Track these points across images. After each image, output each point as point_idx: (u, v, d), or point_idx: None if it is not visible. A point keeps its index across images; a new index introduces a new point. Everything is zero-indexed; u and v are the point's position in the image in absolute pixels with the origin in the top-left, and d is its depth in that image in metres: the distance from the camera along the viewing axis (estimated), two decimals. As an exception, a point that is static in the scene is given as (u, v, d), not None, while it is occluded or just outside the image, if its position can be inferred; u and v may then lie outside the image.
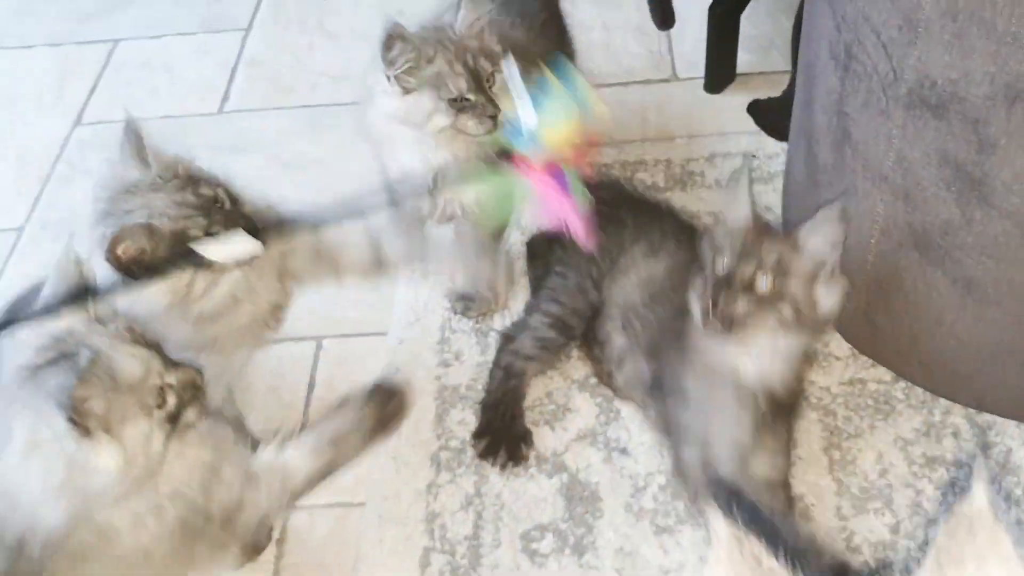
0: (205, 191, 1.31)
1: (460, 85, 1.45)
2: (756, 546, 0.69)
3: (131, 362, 1.09)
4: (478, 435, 1.64)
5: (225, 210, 1.31)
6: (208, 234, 1.27)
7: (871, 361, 1.64)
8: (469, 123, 1.47)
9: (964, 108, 1.22)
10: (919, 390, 1.59)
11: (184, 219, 1.26)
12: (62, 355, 1.07)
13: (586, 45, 2.34)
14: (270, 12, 2.60)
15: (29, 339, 1.11)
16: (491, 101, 1.46)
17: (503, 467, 1.60)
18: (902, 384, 1.61)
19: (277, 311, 1.49)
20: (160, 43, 2.56)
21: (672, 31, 2.29)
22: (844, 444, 1.55)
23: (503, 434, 1.62)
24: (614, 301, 1.60)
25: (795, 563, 0.73)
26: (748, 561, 0.69)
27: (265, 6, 2.61)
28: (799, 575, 0.71)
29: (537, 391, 1.69)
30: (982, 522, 0.67)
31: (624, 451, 1.60)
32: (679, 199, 1.93)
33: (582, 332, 1.67)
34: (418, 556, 1.52)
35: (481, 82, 1.46)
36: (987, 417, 1.55)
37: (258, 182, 2.08)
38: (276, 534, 1.57)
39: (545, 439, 1.63)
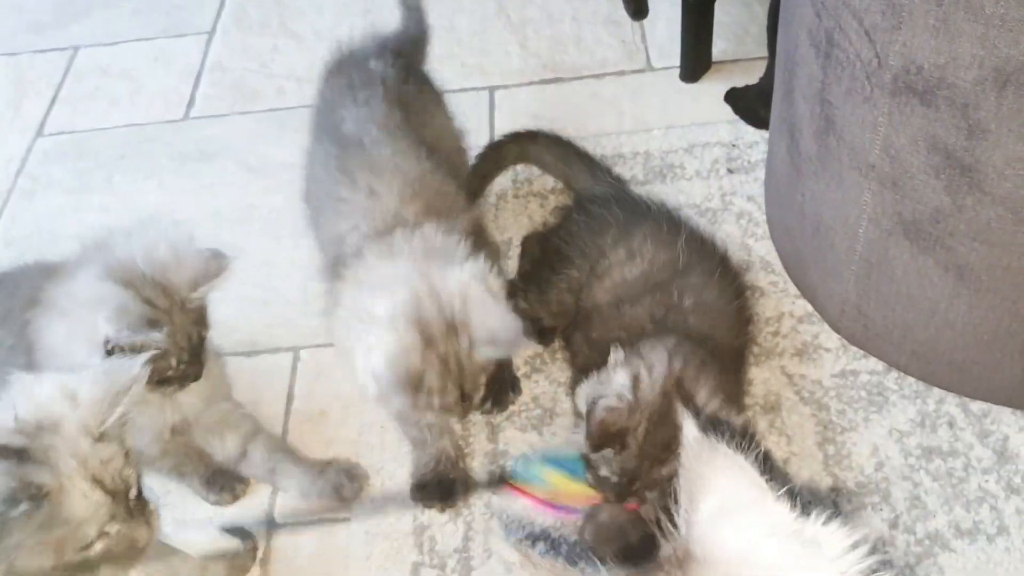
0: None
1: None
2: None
3: (80, 504, 1.03)
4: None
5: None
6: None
7: (862, 352, 1.61)
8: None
9: (952, 93, 1.19)
10: (912, 380, 1.57)
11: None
12: (18, 452, 1.01)
13: (556, 38, 2.32)
14: (232, 16, 2.53)
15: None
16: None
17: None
18: (894, 374, 1.58)
19: None
20: (120, 50, 2.49)
21: (645, 21, 2.27)
22: (838, 439, 1.52)
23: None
24: (589, 305, 1.56)
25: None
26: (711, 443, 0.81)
27: (227, 9, 2.55)
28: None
29: (523, 396, 1.65)
30: (698, 445, 0.80)
31: (615, 454, 1.56)
32: (659, 192, 1.89)
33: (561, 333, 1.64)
34: (407, 571, 1.48)
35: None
36: (982, 405, 1.52)
37: (226, 188, 2.07)
38: (260, 554, 1.52)
39: (533, 445, 1.59)
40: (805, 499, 1.24)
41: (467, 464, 1.58)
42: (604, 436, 1.27)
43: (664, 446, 1.25)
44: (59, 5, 2.66)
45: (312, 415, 1.68)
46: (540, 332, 1.66)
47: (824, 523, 0.76)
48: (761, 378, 1.60)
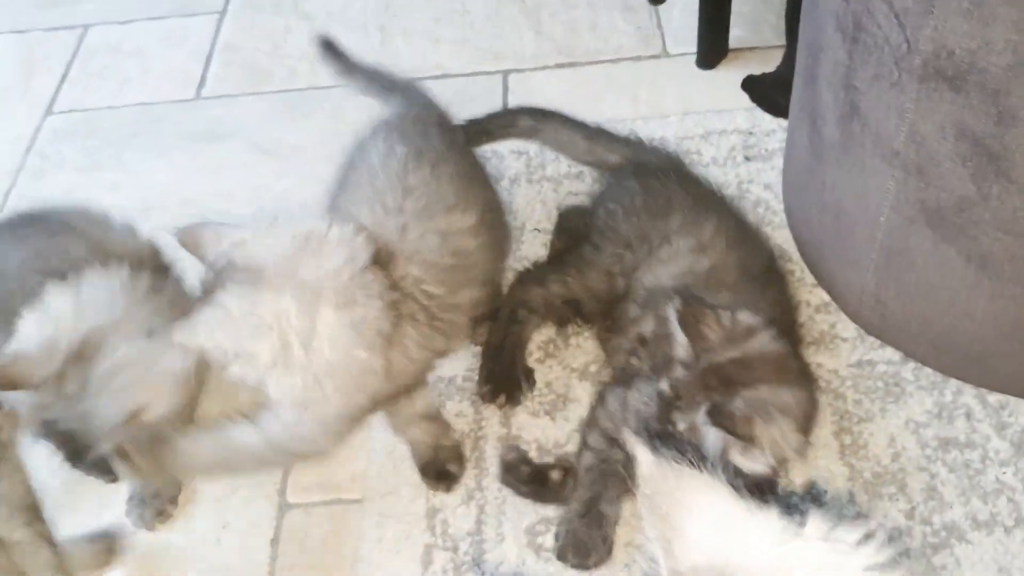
0: None
1: None
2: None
3: None
4: (483, 381, 1.62)
5: None
6: None
7: (879, 342, 1.60)
8: None
9: (983, 79, 1.18)
10: (929, 370, 1.56)
11: None
12: None
13: (571, 23, 2.31)
14: (244, -6, 2.52)
15: None
16: None
17: (501, 407, 1.60)
18: (911, 365, 1.57)
19: None
20: (131, 28, 2.48)
21: (661, 6, 2.26)
22: (855, 428, 1.51)
23: (505, 379, 1.61)
24: (643, 288, 1.53)
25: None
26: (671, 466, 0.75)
27: (239, -12, 2.54)
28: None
29: (537, 381, 1.64)
30: (663, 472, 0.75)
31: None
32: (675, 179, 1.88)
33: (598, 316, 1.62)
34: (420, 553, 1.47)
35: None
36: (999, 397, 1.52)
37: (236, 169, 2.05)
38: (271, 533, 1.51)
39: (546, 430, 1.58)
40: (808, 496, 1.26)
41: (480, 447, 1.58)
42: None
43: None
44: (68, -19, 2.65)
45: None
46: (580, 315, 1.65)
47: (824, 524, 0.74)
48: (777, 366, 1.60)
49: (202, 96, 2.26)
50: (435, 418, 1.56)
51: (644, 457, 0.76)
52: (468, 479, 1.53)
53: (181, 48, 2.40)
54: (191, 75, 2.31)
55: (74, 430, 1.36)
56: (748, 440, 1.20)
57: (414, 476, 1.55)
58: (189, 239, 1.25)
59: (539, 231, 1.85)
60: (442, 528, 1.49)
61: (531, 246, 1.82)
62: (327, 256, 1.21)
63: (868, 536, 0.72)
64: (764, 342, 1.28)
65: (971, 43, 1.16)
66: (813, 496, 1.46)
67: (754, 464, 1.22)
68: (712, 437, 1.22)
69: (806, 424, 1.27)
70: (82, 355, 1.28)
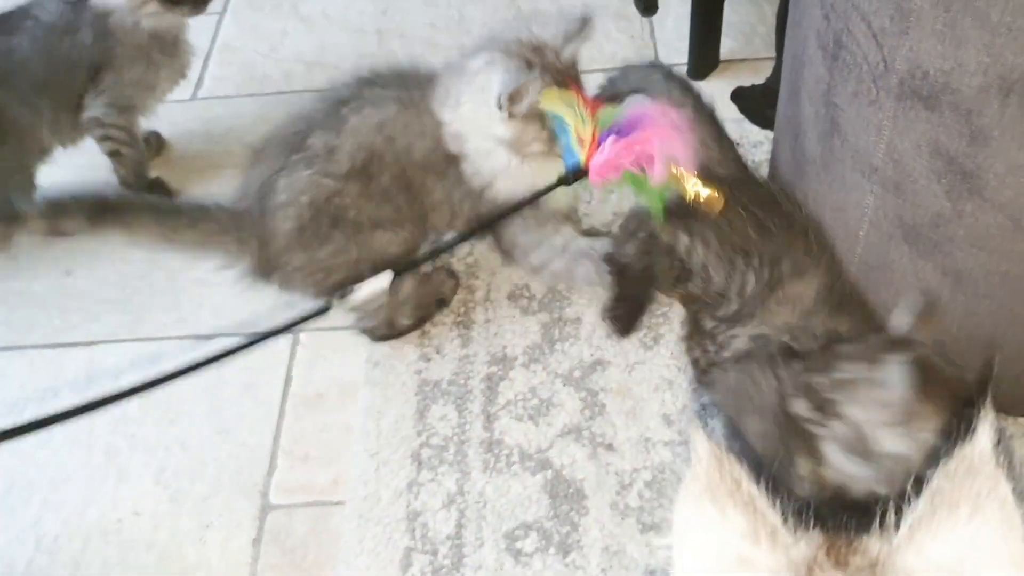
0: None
1: None
2: (737, 469, 0.66)
3: None
4: (616, 302, 1.69)
5: None
6: None
7: (858, 354, 1.62)
8: (555, 147, 1.50)
9: (957, 99, 1.19)
10: (907, 383, 1.58)
11: None
12: None
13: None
14: (243, -3, 2.55)
15: None
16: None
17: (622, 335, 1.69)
18: (890, 377, 1.59)
19: None
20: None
21: (654, 17, 2.27)
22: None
23: (636, 307, 1.70)
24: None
25: (777, 493, 0.68)
26: (727, 482, 0.65)
27: (239, -10, 2.56)
28: (779, 505, 0.67)
29: (519, 385, 1.66)
30: (983, 464, 0.63)
31: (610, 447, 1.57)
32: (663, 188, 1.90)
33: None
34: (399, 556, 1.49)
35: None
36: (976, 411, 1.53)
37: (232, 169, 2.07)
38: (253, 533, 1.53)
39: (529, 435, 1.60)
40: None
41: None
42: None
43: None
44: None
45: (309, 398, 1.69)
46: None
47: None
48: (758, 376, 1.61)
49: (199, 96, 2.28)
50: None
51: (983, 433, 0.63)
52: (449, 484, 1.55)
53: (179, 49, 2.42)
54: (189, 75, 2.32)
55: None
56: None
57: (395, 480, 1.57)
58: None
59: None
60: (422, 532, 1.51)
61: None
62: None
63: None
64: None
65: (944, 64, 1.18)
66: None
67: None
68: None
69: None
70: None
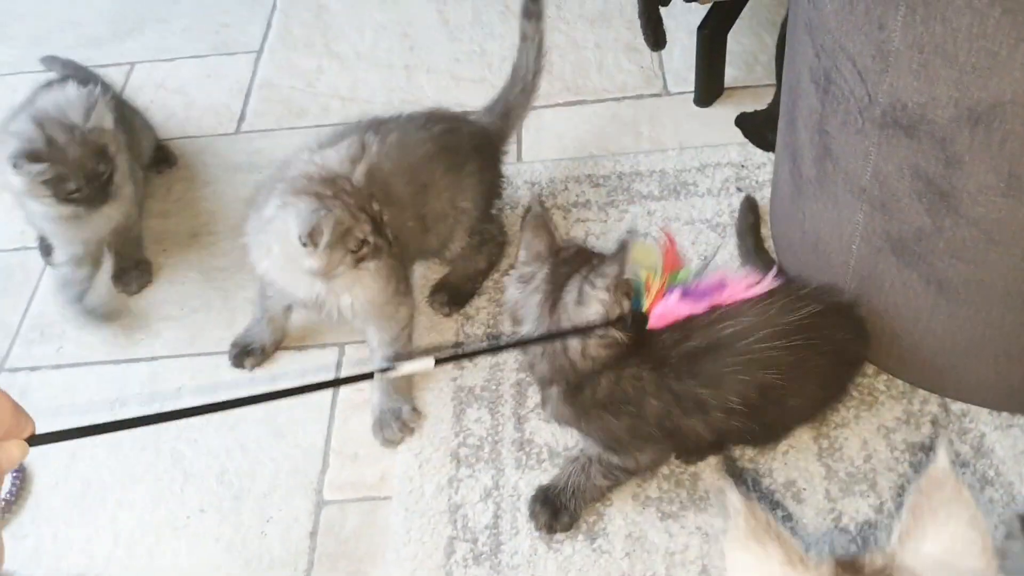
0: (376, 207, 1.61)
1: (365, 229, 1.59)
2: (765, 513, 0.83)
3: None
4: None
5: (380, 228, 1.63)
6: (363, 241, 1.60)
7: (855, 356, 1.77)
8: (370, 264, 1.64)
9: (932, 128, 1.36)
10: (900, 382, 1.73)
11: (357, 222, 1.58)
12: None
13: (580, 63, 2.49)
14: (279, 35, 2.71)
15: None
16: (387, 239, 1.63)
17: None
18: (884, 377, 1.74)
19: None
20: (174, 66, 2.67)
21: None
22: (832, 433, 1.69)
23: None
24: None
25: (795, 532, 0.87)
26: (761, 523, 0.82)
27: (274, 30, 2.74)
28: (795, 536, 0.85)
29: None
30: (946, 477, 0.82)
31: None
32: (673, 207, 2.07)
33: None
34: (443, 544, 1.64)
35: (378, 223, 1.61)
36: (961, 405, 1.69)
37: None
38: (310, 527, 1.69)
39: (556, 435, 1.75)
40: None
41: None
42: None
43: None
44: (114, 21, 2.85)
45: (356, 403, 1.85)
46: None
47: None
48: (763, 378, 1.77)
49: (242, 130, 2.45)
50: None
51: (941, 457, 0.84)
52: (485, 479, 1.71)
53: (221, 85, 2.58)
54: (232, 110, 2.50)
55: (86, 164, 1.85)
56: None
57: (437, 476, 1.72)
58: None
59: (550, 255, 2.03)
60: (463, 522, 1.67)
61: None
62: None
63: None
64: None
65: (920, 98, 1.34)
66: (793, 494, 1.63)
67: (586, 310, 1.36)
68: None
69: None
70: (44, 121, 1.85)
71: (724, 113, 2.28)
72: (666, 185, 2.14)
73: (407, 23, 2.69)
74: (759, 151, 2.17)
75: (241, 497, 1.75)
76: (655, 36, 2.18)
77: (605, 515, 1.64)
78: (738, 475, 1.39)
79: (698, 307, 1.46)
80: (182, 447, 1.83)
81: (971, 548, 0.80)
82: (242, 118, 2.48)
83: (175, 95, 2.58)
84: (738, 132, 2.22)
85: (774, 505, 1.62)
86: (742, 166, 2.15)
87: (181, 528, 1.73)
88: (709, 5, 2.22)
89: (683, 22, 2.41)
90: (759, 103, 2.23)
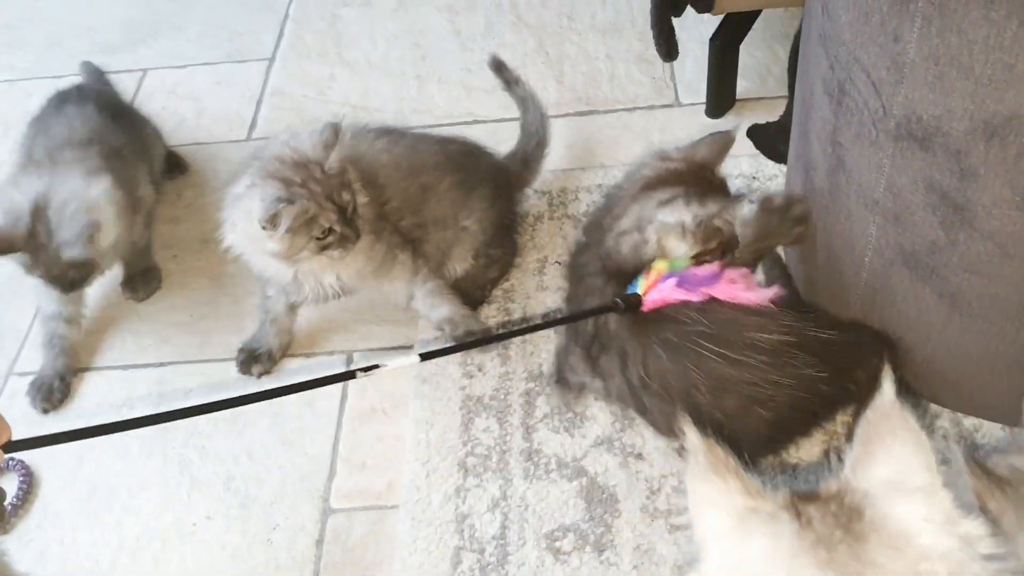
0: (347, 197, 1.64)
1: (331, 218, 1.62)
2: (721, 449, 0.88)
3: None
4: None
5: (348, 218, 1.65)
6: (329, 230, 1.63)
7: (866, 370, 1.76)
8: (334, 253, 1.67)
9: (947, 141, 1.35)
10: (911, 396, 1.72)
11: (323, 211, 1.61)
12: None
13: (591, 74, 2.49)
14: (291, 44, 2.73)
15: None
16: (355, 229, 1.66)
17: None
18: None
19: None
20: (186, 73, 2.68)
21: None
22: (844, 447, 1.67)
23: None
24: None
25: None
26: (719, 459, 0.87)
27: (286, 38, 2.75)
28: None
29: (555, 400, 1.81)
30: (892, 408, 0.87)
31: (639, 456, 1.72)
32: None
33: None
34: (450, 555, 1.63)
35: (346, 213, 1.64)
36: (974, 420, 1.67)
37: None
38: (316, 535, 1.69)
39: (565, 445, 1.75)
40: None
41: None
42: None
43: None
44: (128, 28, 2.87)
45: (364, 411, 1.85)
46: None
47: (979, 523, 0.81)
48: (774, 391, 1.76)
49: (253, 138, 2.45)
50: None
51: (887, 389, 0.88)
52: (493, 489, 1.70)
53: (233, 92, 2.59)
54: (243, 117, 2.51)
55: (59, 271, 1.82)
56: None
57: (444, 486, 1.72)
58: None
59: (560, 263, 2.03)
60: (470, 532, 1.66)
61: (552, 277, 2.01)
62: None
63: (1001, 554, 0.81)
64: None
65: (935, 110, 1.34)
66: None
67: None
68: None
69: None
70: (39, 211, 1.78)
71: (735, 125, 2.26)
72: (677, 196, 2.13)
73: (419, 33, 2.70)
74: (770, 163, 2.16)
75: (248, 504, 1.75)
76: (668, 47, 2.18)
77: (613, 527, 1.63)
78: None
79: (692, 295, 1.54)
80: (190, 453, 1.83)
81: (917, 468, 0.84)
82: (253, 125, 2.49)
83: (187, 102, 2.59)
84: (749, 144, 2.21)
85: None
86: (753, 177, 2.14)
87: (187, 535, 1.72)
88: (722, 16, 2.21)
89: (695, 33, 2.40)
90: (771, 115, 2.22)
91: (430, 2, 2.80)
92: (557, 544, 1.63)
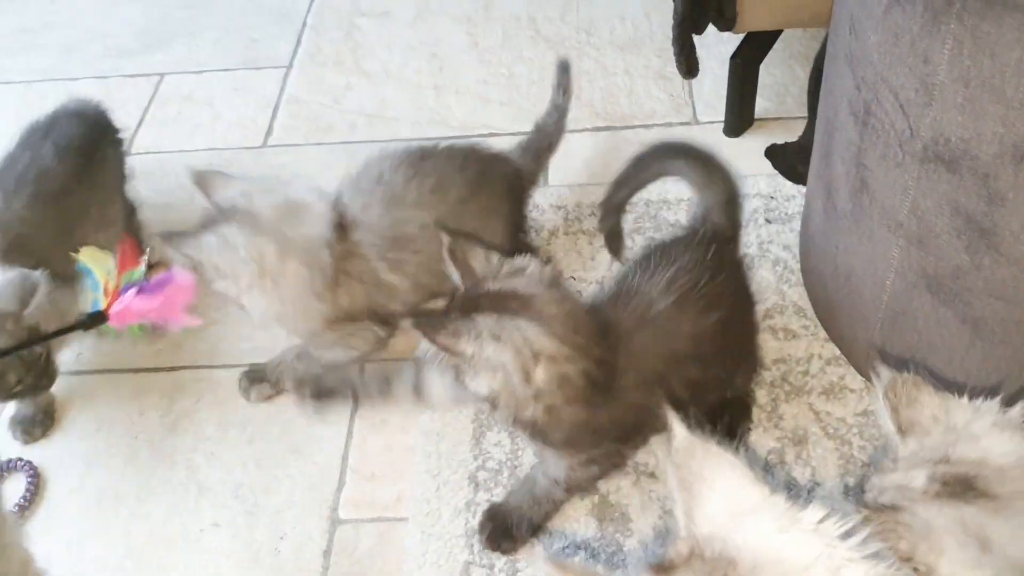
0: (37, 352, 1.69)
1: (20, 372, 1.67)
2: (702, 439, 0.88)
3: None
4: None
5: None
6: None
7: (883, 394, 1.75)
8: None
9: (975, 164, 1.34)
10: (928, 421, 1.70)
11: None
12: None
13: (609, 89, 2.49)
14: (308, 52, 2.73)
15: None
16: (49, 377, 1.73)
17: None
18: (913, 416, 1.71)
19: None
20: (203, 79, 2.68)
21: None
22: (859, 471, 1.66)
23: None
24: None
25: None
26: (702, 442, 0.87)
27: (304, 46, 2.75)
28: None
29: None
30: (690, 443, 0.87)
31: (652, 475, 1.70)
32: (701, 237, 2.05)
33: None
34: (459, 569, 1.61)
35: (41, 365, 1.70)
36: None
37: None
38: (324, 545, 1.67)
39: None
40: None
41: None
42: None
43: None
44: (145, 33, 2.87)
45: (374, 422, 1.83)
46: None
47: (821, 512, 0.83)
48: (791, 413, 1.74)
49: (268, 144, 2.45)
50: None
51: (678, 430, 0.87)
52: (504, 504, 1.69)
53: (249, 98, 2.59)
54: (259, 124, 2.50)
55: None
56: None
57: (454, 499, 1.70)
58: (202, 181, 1.67)
59: (574, 279, 2.02)
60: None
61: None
62: (306, 223, 1.64)
63: (855, 529, 0.82)
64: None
65: (965, 133, 1.33)
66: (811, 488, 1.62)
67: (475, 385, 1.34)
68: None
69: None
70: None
71: (754, 144, 2.26)
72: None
73: (437, 44, 2.70)
74: (789, 183, 2.15)
75: (255, 513, 1.73)
76: (688, 64, 2.17)
77: (625, 546, 1.61)
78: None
79: (155, 302, 1.56)
80: (198, 460, 1.81)
81: (742, 487, 0.84)
82: (269, 132, 2.48)
83: (203, 107, 2.59)
84: (767, 163, 2.20)
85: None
86: (771, 197, 2.13)
87: (194, 542, 1.70)
88: (743, 35, 2.21)
89: (715, 52, 2.40)
90: (790, 135, 2.22)
91: (448, 13, 2.80)
92: (568, 562, 1.60)
